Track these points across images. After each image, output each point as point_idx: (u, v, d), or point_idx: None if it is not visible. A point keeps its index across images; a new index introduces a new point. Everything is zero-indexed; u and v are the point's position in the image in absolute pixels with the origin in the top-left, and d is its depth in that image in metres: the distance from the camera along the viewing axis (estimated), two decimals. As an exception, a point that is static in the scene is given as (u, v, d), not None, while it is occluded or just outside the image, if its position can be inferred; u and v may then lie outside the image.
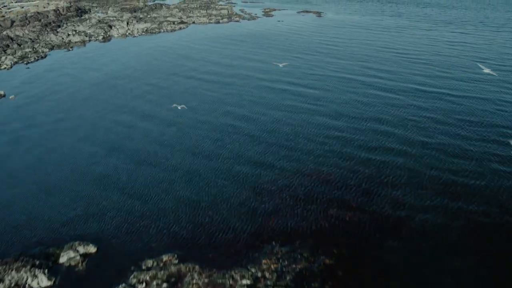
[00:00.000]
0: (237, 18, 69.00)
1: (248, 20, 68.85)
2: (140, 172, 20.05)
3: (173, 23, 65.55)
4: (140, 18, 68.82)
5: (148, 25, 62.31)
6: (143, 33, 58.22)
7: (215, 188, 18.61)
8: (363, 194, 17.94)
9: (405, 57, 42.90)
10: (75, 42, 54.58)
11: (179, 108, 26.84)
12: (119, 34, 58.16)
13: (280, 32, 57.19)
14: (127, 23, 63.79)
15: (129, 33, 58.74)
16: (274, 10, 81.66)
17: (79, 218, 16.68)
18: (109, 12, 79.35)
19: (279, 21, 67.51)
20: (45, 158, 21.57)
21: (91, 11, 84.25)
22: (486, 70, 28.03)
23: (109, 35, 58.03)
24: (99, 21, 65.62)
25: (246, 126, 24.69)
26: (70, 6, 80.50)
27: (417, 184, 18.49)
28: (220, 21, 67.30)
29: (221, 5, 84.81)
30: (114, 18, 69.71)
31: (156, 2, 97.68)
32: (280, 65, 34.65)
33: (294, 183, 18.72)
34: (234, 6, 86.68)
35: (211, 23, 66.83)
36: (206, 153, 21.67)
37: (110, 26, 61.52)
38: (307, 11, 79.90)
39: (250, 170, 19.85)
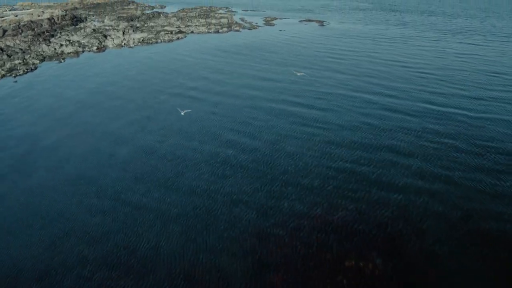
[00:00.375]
0: (237, 28, 66.84)
1: (249, 29, 66.69)
2: (100, 217, 17.52)
3: (171, 33, 63.36)
4: (137, 27, 66.66)
5: (144, 35, 60.11)
6: (139, 43, 55.98)
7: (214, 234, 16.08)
8: (385, 240, 15.43)
9: (414, 71, 40.53)
10: (68, 53, 52.31)
11: (182, 113, 26.30)
12: (114, 45, 55.91)
13: (281, 43, 54.93)
14: (123, 33, 61.60)
15: (124, 43, 56.50)
16: (275, 18, 79.60)
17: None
18: (105, 20, 77.28)
19: (280, 30, 65.33)
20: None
21: (87, 19, 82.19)
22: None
23: (103, 46, 55.78)
24: (94, 30, 63.44)
25: (241, 156, 22.14)
26: (66, 15, 78.43)
27: (446, 229, 15.98)
28: (220, 30, 65.13)
29: (220, 14, 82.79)
30: (110, 27, 67.56)
31: (154, 10, 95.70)
32: (298, 74, 37.64)
33: (303, 228, 16.20)
34: (234, 15, 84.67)
35: (210, 32, 64.66)
36: (198, 192, 19.11)
37: (105, 36, 59.31)
38: (309, 20, 77.82)
39: (251, 213, 17.33)
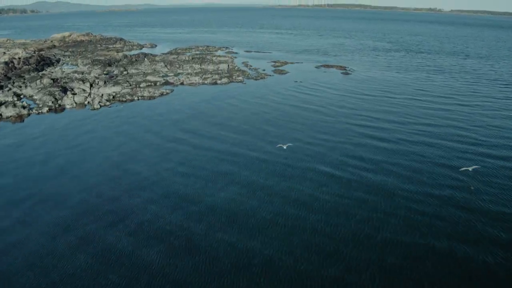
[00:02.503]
0: (240, 77, 52.17)
1: (255, 79, 52.04)
2: None
3: (154, 84, 48.54)
4: (111, 76, 51.80)
5: (117, 88, 45.09)
6: (108, 102, 40.80)
7: None
8: None
9: (490, 155, 25.32)
10: (7, 117, 37.08)
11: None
12: (74, 104, 40.75)
13: (305, 107, 39.93)
14: (91, 85, 46.68)
15: (88, 102, 41.35)
16: (286, 63, 65.47)
17: None
18: (79, 64, 62.86)
19: (296, 82, 50.70)
20: None
21: (59, 62, 67.88)
22: None
23: (59, 105, 40.66)
24: (55, 80, 48.50)
25: None
26: (31, 57, 64.07)
27: None
28: (218, 81, 50.36)
29: (219, 56, 68.73)
30: (80, 75, 52.91)
31: (141, 51, 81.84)
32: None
33: None
34: (235, 57, 70.66)
35: (205, 84, 49.88)
36: None
37: (66, 90, 44.31)
38: (327, 66, 63.68)
39: None
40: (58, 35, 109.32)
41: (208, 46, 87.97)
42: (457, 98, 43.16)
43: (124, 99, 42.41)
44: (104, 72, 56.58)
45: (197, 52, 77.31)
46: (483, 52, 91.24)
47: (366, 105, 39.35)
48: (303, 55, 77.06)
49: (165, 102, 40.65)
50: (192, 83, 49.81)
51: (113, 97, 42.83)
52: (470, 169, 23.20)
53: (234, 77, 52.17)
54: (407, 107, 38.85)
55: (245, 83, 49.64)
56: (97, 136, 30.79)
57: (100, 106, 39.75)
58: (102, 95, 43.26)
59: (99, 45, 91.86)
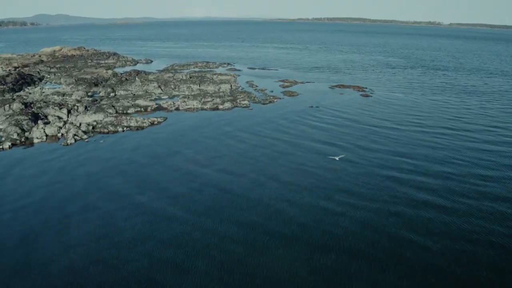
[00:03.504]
0: (246, 101, 44.72)
1: (263, 104, 44.61)
2: None
3: (144, 110, 41.05)
4: (95, 100, 44.28)
5: (100, 116, 37.47)
6: (85, 135, 33.17)
7: None
8: None
9: None
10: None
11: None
12: (44, 137, 33.10)
13: (326, 139, 32.40)
14: (69, 111, 39.15)
15: (62, 134, 33.75)
16: (295, 82, 58.18)
17: None
18: (62, 83, 55.52)
19: (311, 106, 43.30)
20: None
21: (43, 81, 60.62)
22: None
23: (27, 138, 33.04)
24: (27, 105, 40.99)
25: None
26: (8, 75, 56.77)
27: None
28: (220, 106, 42.88)
29: (220, 74, 61.51)
30: (61, 97, 45.52)
31: (135, 67, 74.68)
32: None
33: None
34: (238, 76, 63.48)
35: (205, 109, 42.41)
36: None
37: (37, 118, 36.76)
38: (343, 86, 56.43)
39: None
40: (48, 49, 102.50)
41: (207, 62, 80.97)
42: (502, 133, 35.66)
43: (106, 130, 34.80)
44: (89, 94, 49.20)
45: (196, 70, 70.18)
46: (506, 68, 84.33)
47: (401, 148, 31.72)
48: (313, 73, 69.93)
49: (155, 136, 32.98)
50: (189, 108, 42.32)
51: (93, 128, 35.23)
52: None
53: (238, 100, 44.73)
54: (450, 148, 31.08)
55: (251, 109, 42.15)
56: (52, 190, 23.03)
57: (75, 140, 32.09)
58: (80, 124, 35.66)
59: (90, 61, 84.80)
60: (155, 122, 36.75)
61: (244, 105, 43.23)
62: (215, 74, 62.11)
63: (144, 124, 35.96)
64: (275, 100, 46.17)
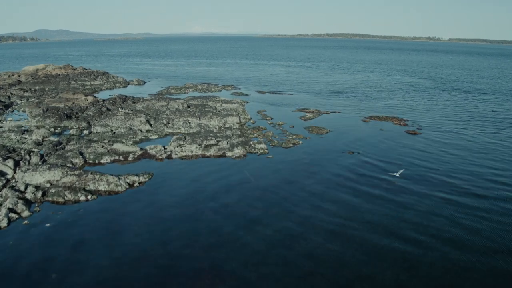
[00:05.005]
0: (262, 145, 33.30)
1: (285, 147, 33.28)
2: None
3: (124, 158, 29.68)
4: (57, 144, 32.82)
5: (56, 174, 25.90)
6: (27, 211, 21.66)
7: None
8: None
9: None
10: None
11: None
12: (-38, 213, 21.57)
13: (389, 226, 21.02)
14: (16, 164, 27.70)
15: (-7, 206, 22.22)
16: (319, 113, 47.06)
17: None
18: (28, 113, 44.36)
19: (352, 153, 31.97)
20: None
21: (10, 108, 49.55)
22: None
23: None
24: (-38, 153, 29.57)
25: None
26: (-37, 104, 45.64)
27: None
28: (228, 152, 31.44)
29: (225, 100, 50.46)
30: (18, 136, 34.33)
31: (123, 91, 63.79)
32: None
33: None
34: (246, 102, 52.50)
35: (207, 156, 31.04)
36: None
37: (-34, 176, 25.32)
38: (378, 118, 45.33)
39: None
40: (30, 68, 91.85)
41: (209, 84, 70.18)
42: None
43: (61, 199, 23.31)
44: (56, 131, 38.04)
45: (195, 94, 59.23)
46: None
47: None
48: (334, 98, 58.90)
49: (131, 216, 21.47)
50: (186, 156, 30.94)
51: (44, 194, 23.76)
52: None
53: (251, 143, 33.40)
54: None
55: (270, 156, 30.76)
56: None
57: (9, 222, 20.58)
58: (26, 187, 24.23)
59: (74, 82, 74.01)
60: (135, 184, 25.29)
61: (260, 151, 31.87)
62: (218, 100, 51.07)
63: (119, 188, 24.49)
64: (299, 141, 34.85)
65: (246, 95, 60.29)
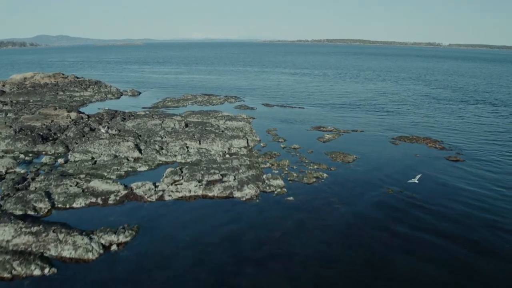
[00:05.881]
0: (277, 180, 26.69)
1: (307, 182, 26.64)
2: None
3: (103, 201, 22.97)
4: (21, 181, 26.11)
5: (7, 232, 19.27)
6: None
7: None
8: None
9: None
10: None
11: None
12: None
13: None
14: (-40, 212, 21.03)
15: None
16: (338, 132, 40.53)
17: None
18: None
19: (388, 190, 25.35)
20: None
21: (-21, 126, 42.79)
22: None
23: None
24: None
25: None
26: None
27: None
28: (236, 192, 24.73)
29: (228, 119, 43.91)
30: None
31: (115, 102, 57.35)
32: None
33: None
34: (253, 119, 46.03)
35: (210, 197, 24.40)
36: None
37: None
38: (406, 138, 38.79)
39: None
40: (17, 77, 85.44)
41: (210, 96, 63.80)
42: None
43: (7, 274, 16.65)
44: (27, 158, 31.43)
45: (195, 108, 52.76)
46: None
47: None
48: (352, 113, 52.41)
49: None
50: (183, 197, 24.28)
51: (-15, 265, 17.04)
52: None
53: (264, 178, 26.79)
54: None
55: (291, 199, 24.08)
56: None
57: None
58: (-38, 253, 17.48)
59: (61, 92, 67.60)
60: (113, 247, 18.57)
61: (277, 190, 25.22)
62: (221, 117, 44.57)
63: (89, 255, 17.78)
64: (323, 174, 28.17)
65: (252, 108, 53.84)
